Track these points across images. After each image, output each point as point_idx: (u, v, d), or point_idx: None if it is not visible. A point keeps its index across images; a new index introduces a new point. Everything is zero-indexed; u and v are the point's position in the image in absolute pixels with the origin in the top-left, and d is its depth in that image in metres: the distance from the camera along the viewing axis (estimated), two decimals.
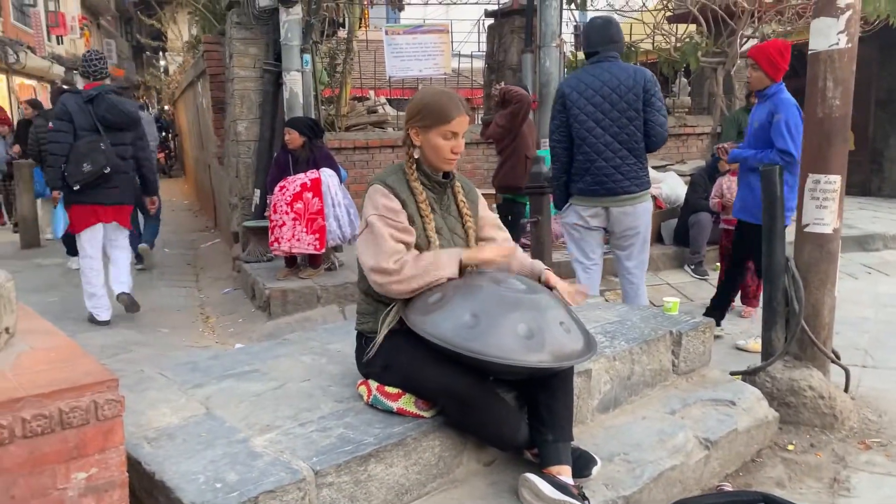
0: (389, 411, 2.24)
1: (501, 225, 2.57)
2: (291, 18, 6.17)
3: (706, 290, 5.98)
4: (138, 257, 7.07)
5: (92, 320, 5.26)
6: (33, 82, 18.96)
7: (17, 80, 17.46)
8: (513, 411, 2.24)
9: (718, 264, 6.58)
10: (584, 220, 4.10)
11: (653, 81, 3.92)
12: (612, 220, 4.07)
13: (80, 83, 5.63)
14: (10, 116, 11.51)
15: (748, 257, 4.46)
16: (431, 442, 2.19)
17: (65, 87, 10.69)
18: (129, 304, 5.39)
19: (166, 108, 24.72)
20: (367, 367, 2.35)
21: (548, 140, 4.28)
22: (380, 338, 2.28)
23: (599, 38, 3.97)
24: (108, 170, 4.96)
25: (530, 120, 5.69)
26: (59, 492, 1.57)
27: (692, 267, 6.32)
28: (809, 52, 3.16)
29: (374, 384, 2.30)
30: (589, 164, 3.96)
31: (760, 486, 2.73)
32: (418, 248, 2.29)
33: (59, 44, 21.94)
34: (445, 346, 2.04)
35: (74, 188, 4.94)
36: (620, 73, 3.89)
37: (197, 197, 13.47)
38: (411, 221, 2.29)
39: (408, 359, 2.21)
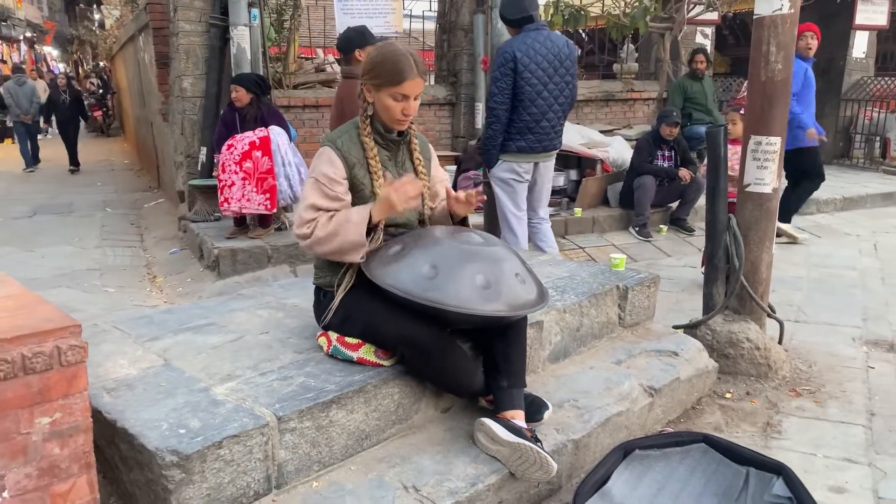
0: (350, 361, 2.29)
1: (449, 184, 2.59)
2: None
3: (650, 251, 6.15)
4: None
5: None
6: None
7: None
8: (470, 360, 2.31)
9: (662, 227, 6.78)
10: (519, 174, 4.45)
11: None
12: (539, 174, 4.56)
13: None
14: None
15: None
16: (391, 389, 2.25)
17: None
18: None
19: (102, 64, 23.65)
20: (326, 320, 2.38)
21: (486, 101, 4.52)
22: (336, 301, 2.32)
23: (529, 4, 4.26)
24: None
25: None
26: (22, 436, 1.57)
27: (636, 229, 6.48)
28: (755, 17, 3.26)
29: (333, 335, 2.34)
30: (535, 123, 4.33)
31: (700, 431, 2.89)
32: None
33: None
34: (406, 296, 2.09)
35: None
36: (559, 42, 4.34)
37: (138, 156, 13.06)
38: (359, 181, 2.31)
39: (368, 310, 2.26)
